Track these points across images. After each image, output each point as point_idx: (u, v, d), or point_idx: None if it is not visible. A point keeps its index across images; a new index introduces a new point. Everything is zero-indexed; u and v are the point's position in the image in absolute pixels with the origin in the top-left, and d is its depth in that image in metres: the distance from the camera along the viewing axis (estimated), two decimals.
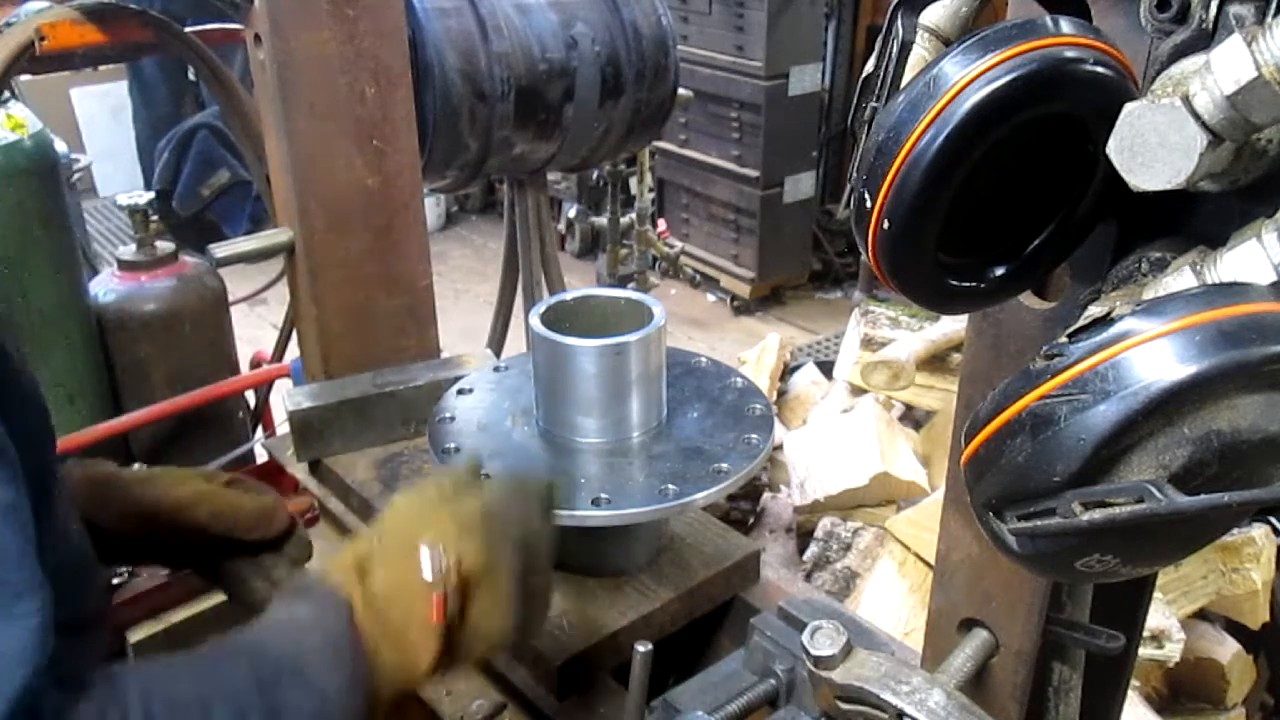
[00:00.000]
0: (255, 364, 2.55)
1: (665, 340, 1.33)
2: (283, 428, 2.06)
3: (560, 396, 1.31)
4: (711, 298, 5.42)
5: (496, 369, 1.53)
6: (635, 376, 1.29)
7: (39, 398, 0.86)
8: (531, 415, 1.37)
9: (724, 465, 1.27)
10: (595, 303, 1.39)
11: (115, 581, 1.48)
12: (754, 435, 1.32)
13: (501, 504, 0.96)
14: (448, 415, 1.40)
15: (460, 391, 1.46)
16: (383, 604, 0.87)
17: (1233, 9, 0.65)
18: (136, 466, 1.53)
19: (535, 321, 1.30)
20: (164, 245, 2.23)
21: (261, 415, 2.53)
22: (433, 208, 6.04)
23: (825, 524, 2.72)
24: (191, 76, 5.48)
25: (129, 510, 1.07)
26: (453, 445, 1.33)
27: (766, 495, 3.02)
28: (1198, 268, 0.66)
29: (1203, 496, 0.57)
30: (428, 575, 0.87)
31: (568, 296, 1.40)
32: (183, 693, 0.77)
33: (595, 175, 4.72)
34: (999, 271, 0.76)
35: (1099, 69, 0.65)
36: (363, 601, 0.86)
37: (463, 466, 1.08)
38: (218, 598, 1.34)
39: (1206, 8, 0.66)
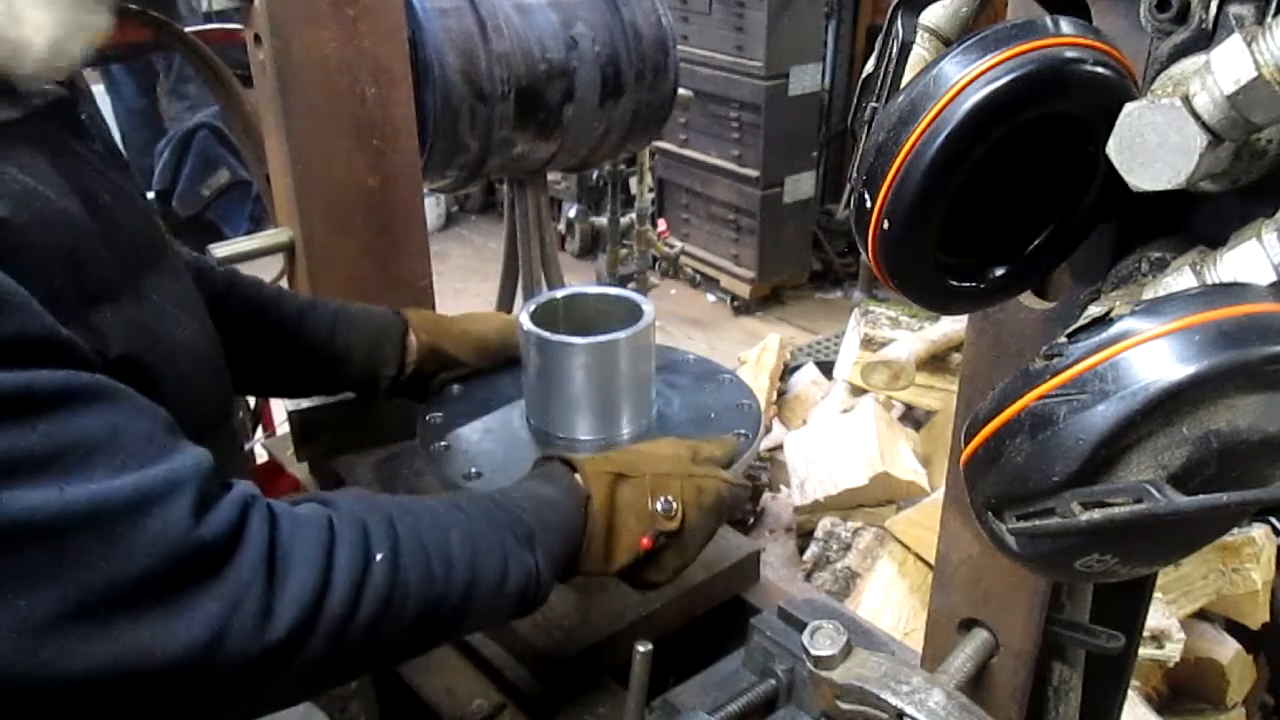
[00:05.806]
0: None
1: (654, 338, 1.33)
2: (283, 428, 2.06)
3: (550, 395, 1.31)
4: (711, 298, 5.41)
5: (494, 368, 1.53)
6: (624, 374, 1.28)
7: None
8: (522, 413, 1.37)
9: None
10: (585, 301, 1.39)
11: None
12: (743, 430, 1.32)
13: (731, 497, 1.16)
14: (438, 413, 1.40)
15: (454, 390, 1.46)
16: (616, 510, 1.07)
17: (1233, 9, 0.65)
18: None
19: (524, 319, 1.30)
20: None
21: (261, 415, 2.53)
22: (433, 208, 6.03)
23: (825, 524, 2.72)
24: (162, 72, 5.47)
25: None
26: (443, 444, 1.33)
27: (766, 495, 3.02)
28: (1198, 268, 0.66)
29: (1202, 496, 0.56)
30: (658, 511, 1.09)
31: (558, 294, 1.39)
32: (427, 518, 0.93)
33: (595, 175, 4.71)
34: (999, 271, 0.76)
35: (1099, 69, 0.65)
36: (603, 500, 1.06)
37: (726, 446, 1.25)
38: None
39: (1206, 8, 0.66)
